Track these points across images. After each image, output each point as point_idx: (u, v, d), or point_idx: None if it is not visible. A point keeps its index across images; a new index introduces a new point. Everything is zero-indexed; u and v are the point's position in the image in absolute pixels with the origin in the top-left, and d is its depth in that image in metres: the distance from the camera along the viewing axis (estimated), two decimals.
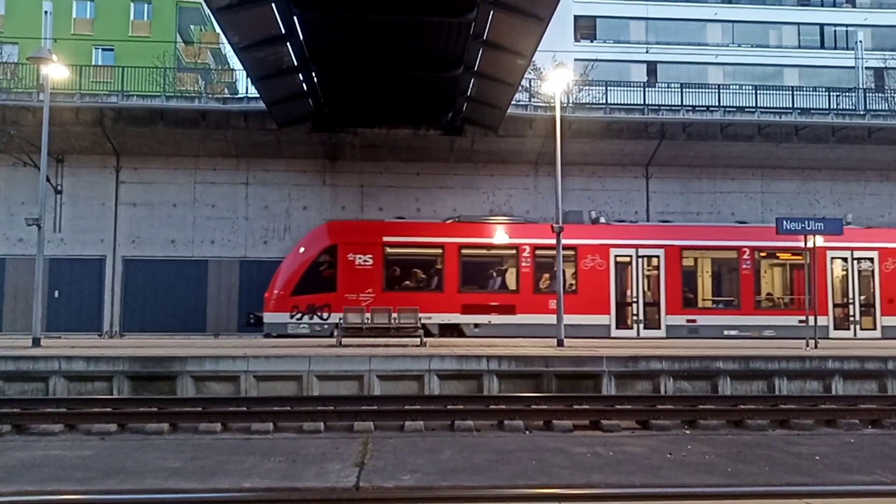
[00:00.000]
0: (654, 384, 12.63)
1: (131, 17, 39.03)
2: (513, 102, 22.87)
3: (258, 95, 22.46)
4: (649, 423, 10.18)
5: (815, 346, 15.63)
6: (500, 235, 21.19)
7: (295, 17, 16.84)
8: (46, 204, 17.16)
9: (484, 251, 21.34)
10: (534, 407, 10.82)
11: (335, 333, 16.51)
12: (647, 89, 29.14)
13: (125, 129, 24.58)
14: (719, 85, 30.35)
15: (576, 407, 10.79)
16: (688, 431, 9.79)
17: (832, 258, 21.47)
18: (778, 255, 22.05)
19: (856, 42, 35.24)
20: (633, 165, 26.69)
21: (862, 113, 27.44)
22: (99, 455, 7.54)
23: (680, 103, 27.47)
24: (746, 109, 27.19)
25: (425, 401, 11.35)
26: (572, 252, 20.80)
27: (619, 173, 26.71)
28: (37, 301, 15.54)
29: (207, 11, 22.72)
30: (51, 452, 7.66)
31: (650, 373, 12.66)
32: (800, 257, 20.02)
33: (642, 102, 27.34)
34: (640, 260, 21.34)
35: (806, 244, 16.86)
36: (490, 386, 12.37)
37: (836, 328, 21.24)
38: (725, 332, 20.66)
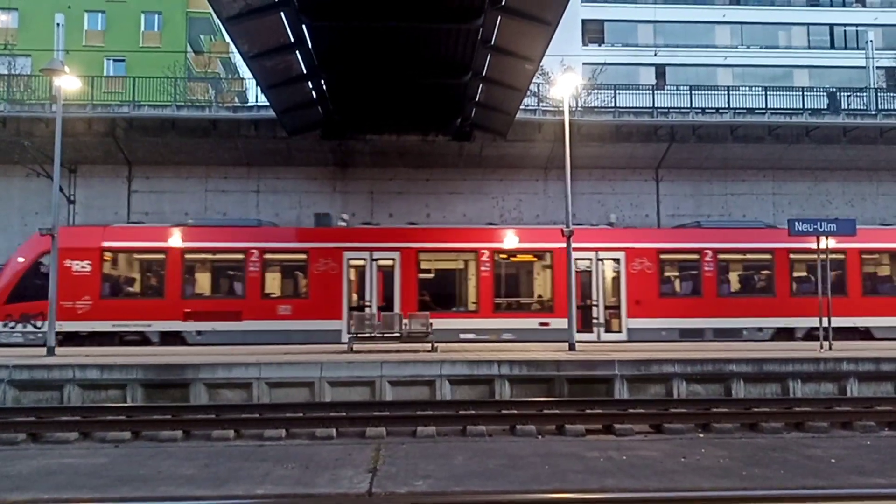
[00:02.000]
0: (666, 388, 12.56)
1: (142, 28, 39.40)
2: (521, 107, 22.87)
3: (268, 104, 22.59)
4: (662, 426, 10.13)
5: (830, 348, 15.50)
6: (226, 239, 20.75)
7: (304, 26, 16.93)
8: (60, 214, 17.32)
9: (209, 255, 20.85)
10: (546, 411, 10.80)
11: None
12: (656, 92, 29.09)
13: (137, 138, 24.79)
14: (729, 87, 30.24)
15: (588, 411, 10.76)
16: (701, 435, 9.74)
17: (576, 259, 20.20)
18: (517, 255, 21.46)
19: (866, 42, 35.03)
20: (643, 168, 26.61)
21: (873, 113, 27.25)
22: (113, 462, 7.58)
23: (689, 106, 27.40)
24: (756, 111, 27.05)
25: (437, 406, 11.35)
26: (304, 256, 20.45)
27: (630, 176, 26.65)
28: (51, 310, 15.66)
29: (217, 21, 22.94)
30: (66, 460, 7.71)
31: (663, 376, 12.59)
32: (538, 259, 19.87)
33: (651, 105, 27.29)
34: (373, 263, 20.81)
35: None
36: (502, 391, 12.35)
37: (579, 330, 20.11)
38: (461, 336, 19.93)
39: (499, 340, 19.79)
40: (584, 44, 41.53)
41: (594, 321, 20.91)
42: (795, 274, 21.53)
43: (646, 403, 11.52)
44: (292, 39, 17.70)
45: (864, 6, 43.99)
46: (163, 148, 24.94)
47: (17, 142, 23.30)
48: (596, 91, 29.95)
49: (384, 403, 11.69)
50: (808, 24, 43.24)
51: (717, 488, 6.24)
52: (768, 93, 28.02)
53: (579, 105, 27.73)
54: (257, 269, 20.38)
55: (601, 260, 21.13)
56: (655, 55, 41.52)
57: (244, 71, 33.48)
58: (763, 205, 27.00)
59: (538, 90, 27.54)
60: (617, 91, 27.84)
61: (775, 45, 42.85)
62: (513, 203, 26.35)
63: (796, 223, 16.37)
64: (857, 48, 39.59)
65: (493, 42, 17.91)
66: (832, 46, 42.83)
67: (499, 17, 16.75)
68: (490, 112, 22.76)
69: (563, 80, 18.08)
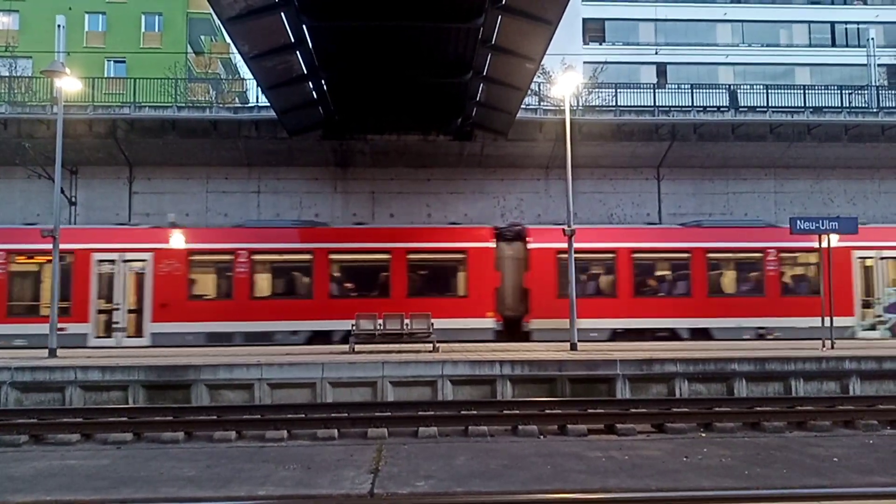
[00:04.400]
0: (668, 387, 12.55)
1: (143, 30, 39.42)
2: (522, 106, 22.86)
3: (269, 104, 22.60)
4: (665, 426, 10.11)
5: (833, 346, 15.47)
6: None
7: (304, 26, 16.93)
8: (61, 215, 17.32)
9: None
10: (548, 411, 10.78)
11: None
12: (657, 91, 29.04)
13: (138, 140, 24.80)
14: (730, 85, 30.20)
15: (590, 411, 10.75)
16: (704, 434, 9.72)
17: (100, 261, 19.96)
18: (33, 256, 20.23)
19: (867, 39, 34.95)
20: (644, 167, 26.58)
21: (875, 110, 27.19)
22: (115, 464, 7.59)
23: (691, 104, 27.37)
24: (758, 109, 27.01)
25: (439, 406, 11.34)
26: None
27: (631, 175, 26.62)
28: (53, 312, 15.67)
29: (217, 22, 22.93)
30: (68, 462, 7.72)
31: (665, 375, 12.58)
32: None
33: (652, 104, 27.25)
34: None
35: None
36: (503, 391, 12.33)
37: (98, 336, 19.70)
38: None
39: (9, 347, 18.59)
40: (585, 43, 41.50)
41: (115, 325, 19.91)
42: (335, 274, 20.92)
43: (648, 403, 11.50)
44: (293, 40, 17.70)
45: (865, 4, 43.91)
46: (164, 149, 24.95)
47: (18, 143, 23.32)
48: (597, 90, 29.92)
49: (386, 404, 11.68)
50: (810, 22, 43.18)
51: (720, 487, 6.24)
52: (769, 91, 27.96)
53: (580, 104, 27.70)
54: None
55: (126, 262, 20.22)
56: (656, 54, 41.49)
57: (245, 71, 33.45)
58: (765, 203, 26.96)
59: (539, 89, 27.52)
60: (618, 90, 27.81)
61: (776, 44, 42.79)
62: (514, 202, 26.34)
63: (798, 221, 16.35)
64: (859, 46, 39.51)
65: (493, 41, 17.90)
66: (833, 44, 42.77)
67: (499, 17, 16.74)
68: (491, 111, 22.76)
69: (564, 79, 18.06)
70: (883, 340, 19.95)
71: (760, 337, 20.49)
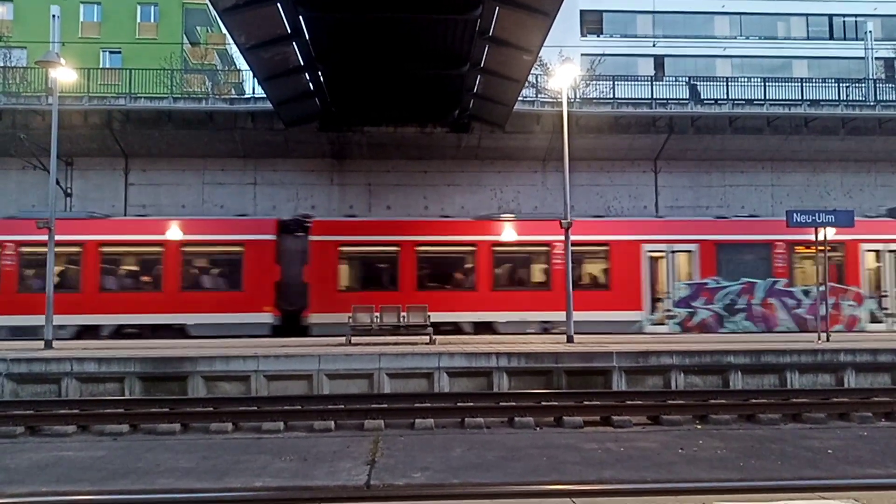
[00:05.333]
0: (664, 379, 12.58)
1: (138, 20, 39.19)
2: (519, 98, 22.80)
3: (265, 95, 22.50)
4: (660, 418, 10.15)
5: (828, 339, 15.53)
6: None
7: (300, 17, 16.85)
8: (56, 207, 17.26)
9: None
10: (544, 403, 10.82)
11: None
12: (654, 83, 28.99)
13: (133, 131, 24.70)
14: (727, 78, 30.15)
15: (586, 403, 10.78)
16: (699, 426, 9.75)
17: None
18: None
19: (865, 32, 34.90)
20: (641, 160, 26.58)
21: (872, 104, 27.20)
22: (112, 456, 7.59)
23: (688, 97, 27.33)
24: (755, 102, 26.99)
25: (435, 398, 11.37)
26: None
27: (628, 168, 26.62)
28: (49, 303, 15.63)
29: (213, 13, 22.78)
30: (64, 453, 7.72)
31: (661, 368, 12.61)
32: None
33: (650, 96, 27.21)
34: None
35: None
36: (500, 383, 12.36)
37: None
38: None
39: None
40: (583, 35, 41.35)
41: None
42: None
43: (644, 395, 11.55)
44: (289, 31, 17.61)
45: None
46: (159, 140, 24.85)
47: (13, 134, 23.20)
48: (594, 82, 29.86)
49: (382, 396, 11.70)
50: (808, 15, 43.08)
51: (715, 479, 6.26)
52: (767, 84, 27.94)
53: (578, 96, 27.65)
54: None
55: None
56: (654, 46, 41.38)
57: (241, 62, 33.30)
58: (762, 196, 26.99)
59: (536, 81, 27.46)
60: (615, 82, 27.76)
61: (774, 36, 42.72)
62: (511, 195, 26.31)
63: (795, 214, 16.38)
64: (857, 39, 39.47)
65: (491, 33, 17.84)
66: (831, 37, 42.69)
67: (497, 8, 16.68)
68: (488, 103, 22.70)
69: (562, 71, 18.01)
70: (673, 335, 19.54)
71: (545, 331, 20.09)
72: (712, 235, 21.38)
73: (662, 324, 20.85)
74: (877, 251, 21.57)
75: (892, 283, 21.57)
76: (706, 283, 21.03)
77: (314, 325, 19.94)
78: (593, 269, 21.46)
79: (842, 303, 21.06)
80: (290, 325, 20.14)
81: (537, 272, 21.25)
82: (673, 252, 21.23)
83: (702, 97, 27.39)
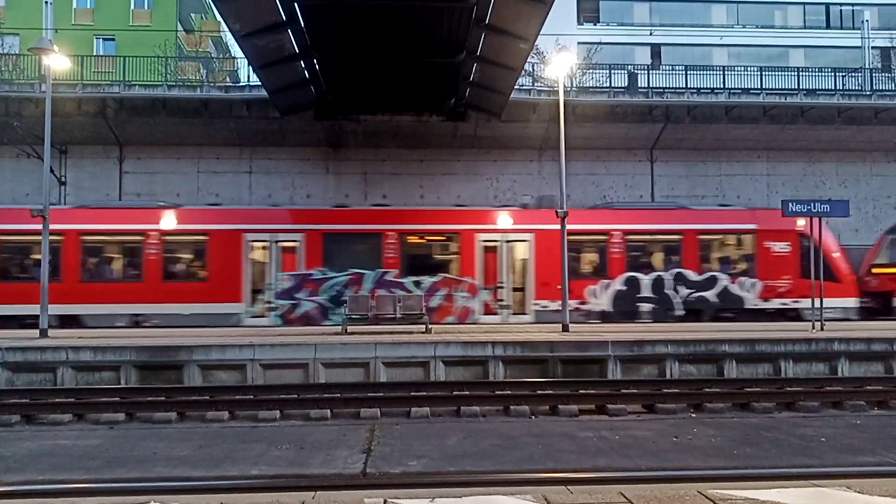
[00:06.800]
0: (659, 368, 12.63)
1: (132, 7, 38.81)
2: (516, 87, 22.76)
3: (260, 84, 22.41)
4: (655, 406, 10.19)
5: (822, 328, 15.60)
6: None
7: (296, 4, 16.75)
8: (51, 195, 17.19)
9: None
10: (539, 392, 10.84)
11: None
12: (651, 72, 28.93)
13: (128, 119, 24.57)
14: (724, 67, 30.11)
15: (581, 392, 10.81)
16: (694, 415, 9.79)
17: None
18: None
19: (862, 21, 34.88)
20: (637, 149, 26.57)
21: (868, 93, 27.21)
22: (108, 444, 7.60)
23: (684, 86, 27.29)
24: (752, 91, 26.99)
25: (431, 387, 11.39)
26: None
27: (624, 157, 26.61)
28: (43, 292, 15.59)
29: None
30: (60, 442, 7.72)
31: (656, 357, 12.65)
32: None
33: (646, 85, 27.15)
34: None
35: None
36: (496, 372, 12.38)
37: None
38: None
39: None
40: (580, 23, 41.15)
41: None
42: None
43: (639, 384, 11.58)
44: (284, 18, 17.51)
45: None
46: (154, 128, 24.73)
47: (6, 122, 23.06)
48: (591, 71, 29.78)
49: (378, 384, 11.72)
50: (804, 4, 42.93)
51: (709, 467, 6.30)
52: (763, 73, 27.92)
53: (574, 85, 27.58)
54: None
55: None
56: (651, 34, 41.23)
57: (236, 50, 33.08)
58: (758, 186, 27.04)
59: (533, 70, 27.36)
60: (612, 71, 27.69)
61: (771, 25, 42.60)
62: (507, 184, 26.30)
63: (790, 204, 16.31)
64: (853, 28, 39.39)
65: (487, 21, 17.77)
66: (828, 26, 42.57)
67: None
68: (484, 92, 22.63)
69: (558, 59, 17.95)
70: (274, 327, 19.16)
71: (137, 325, 19.69)
72: (319, 225, 20.94)
73: (263, 316, 20.39)
74: (495, 242, 21.20)
75: (509, 273, 21.21)
76: (311, 275, 20.57)
77: None
78: (191, 258, 20.95)
79: (455, 294, 20.75)
80: None
81: (131, 263, 20.64)
82: (277, 242, 20.76)
83: (698, 86, 27.34)
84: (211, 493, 5.40)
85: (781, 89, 27.18)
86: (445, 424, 9.03)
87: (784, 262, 21.45)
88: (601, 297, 21.19)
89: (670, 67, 30.61)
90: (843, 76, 28.89)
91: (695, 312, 21.20)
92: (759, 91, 26.83)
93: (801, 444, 7.29)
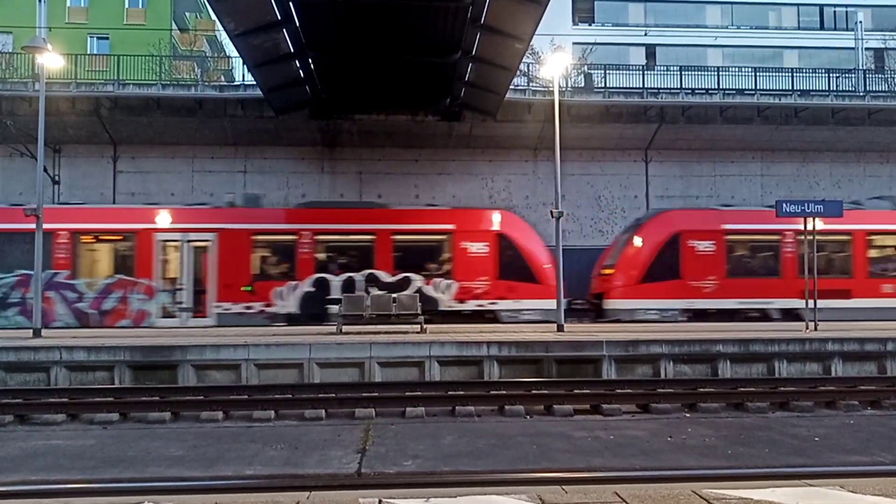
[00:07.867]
0: (654, 368, 12.65)
1: (126, 5, 38.68)
2: (511, 87, 22.76)
3: (255, 83, 22.35)
4: (650, 406, 10.20)
5: (816, 328, 15.66)
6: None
7: (291, 3, 16.71)
8: (44, 194, 17.11)
9: None
10: (534, 392, 10.85)
11: None
12: (646, 72, 29.00)
13: (122, 118, 24.49)
14: (718, 67, 30.20)
15: (576, 391, 10.82)
16: (688, 415, 9.81)
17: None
18: None
19: (856, 23, 35.01)
20: (632, 149, 26.62)
21: (862, 94, 27.33)
22: (101, 444, 7.57)
23: (679, 86, 27.36)
24: (746, 92, 27.07)
25: (426, 387, 11.38)
26: None
27: (619, 157, 26.65)
28: (36, 291, 15.53)
29: None
30: (53, 442, 7.69)
31: (650, 357, 12.67)
32: None
33: (641, 86, 27.21)
34: None
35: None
36: (490, 371, 12.39)
37: None
38: None
39: None
40: (575, 23, 41.20)
41: None
42: None
43: (633, 384, 11.60)
44: (279, 17, 17.48)
45: None
46: (148, 128, 24.65)
47: None
48: (587, 69, 29.82)
49: (373, 384, 11.70)
50: (798, 5, 43.09)
51: (703, 467, 6.31)
52: (758, 74, 28.01)
53: (569, 85, 27.62)
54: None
55: None
56: (646, 35, 41.32)
57: (230, 49, 33.03)
58: (751, 186, 27.12)
59: (528, 70, 27.40)
60: (607, 71, 27.73)
61: (765, 26, 42.73)
62: (502, 184, 26.31)
63: (784, 204, 16.36)
64: (847, 29, 39.55)
65: (482, 21, 17.77)
66: (822, 27, 42.74)
67: None
68: (479, 92, 22.64)
69: (553, 59, 17.95)
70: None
71: None
72: None
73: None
74: (175, 242, 20.51)
75: (189, 274, 20.55)
76: None
77: None
78: None
79: (130, 296, 20.11)
80: None
81: None
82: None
83: (693, 87, 27.42)
84: (205, 493, 5.38)
85: (775, 90, 27.27)
86: (440, 424, 9.03)
87: (482, 264, 20.75)
88: (288, 298, 20.41)
89: (665, 68, 30.70)
90: (836, 77, 29.00)
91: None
92: (753, 92, 26.92)
93: (794, 444, 7.31)
